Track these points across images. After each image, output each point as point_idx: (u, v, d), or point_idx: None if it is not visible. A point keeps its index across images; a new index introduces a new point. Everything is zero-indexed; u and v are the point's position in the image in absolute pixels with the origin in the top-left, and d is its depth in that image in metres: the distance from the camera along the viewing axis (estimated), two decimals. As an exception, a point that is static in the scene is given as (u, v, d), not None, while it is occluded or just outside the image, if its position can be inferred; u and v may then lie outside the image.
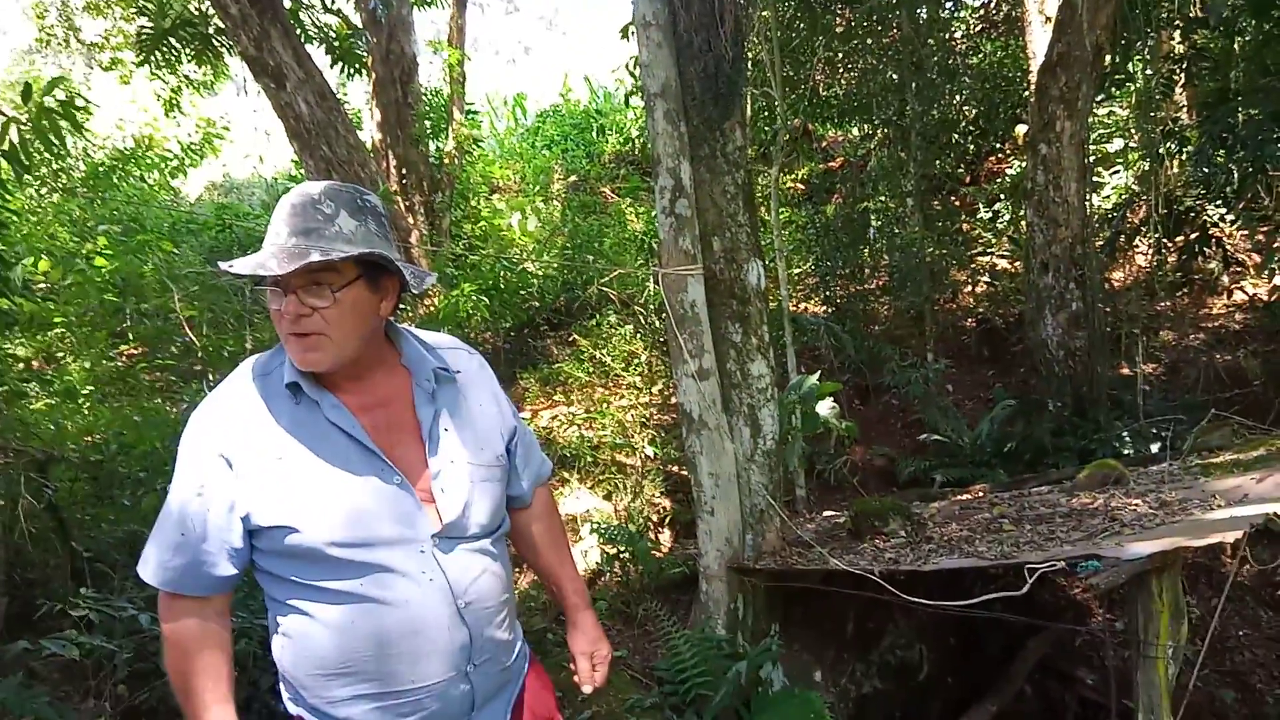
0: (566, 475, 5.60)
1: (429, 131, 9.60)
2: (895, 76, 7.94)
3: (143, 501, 4.23)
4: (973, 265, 7.86)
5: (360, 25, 9.51)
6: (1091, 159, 7.44)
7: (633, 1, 3.85)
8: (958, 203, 8.46)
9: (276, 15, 7.94)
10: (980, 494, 4.66)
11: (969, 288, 7.84)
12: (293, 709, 1.76)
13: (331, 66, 9.56)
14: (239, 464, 1.61)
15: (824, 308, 7.57)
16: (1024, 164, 6.54)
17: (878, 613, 4.92)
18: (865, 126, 8.71)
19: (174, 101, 9.83)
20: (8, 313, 6.27)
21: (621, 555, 4.84)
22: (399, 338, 1.80)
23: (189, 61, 9.66)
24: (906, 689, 5.21)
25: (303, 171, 9.01)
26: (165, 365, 6.93)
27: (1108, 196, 7.21)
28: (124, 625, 3.62)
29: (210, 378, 6.52)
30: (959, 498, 4.64)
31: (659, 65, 3.82)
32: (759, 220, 6.73)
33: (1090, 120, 7.48)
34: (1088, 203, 5.94)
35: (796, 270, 8.13)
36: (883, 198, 8.11)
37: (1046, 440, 5.52)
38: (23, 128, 3.85)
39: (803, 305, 7.79)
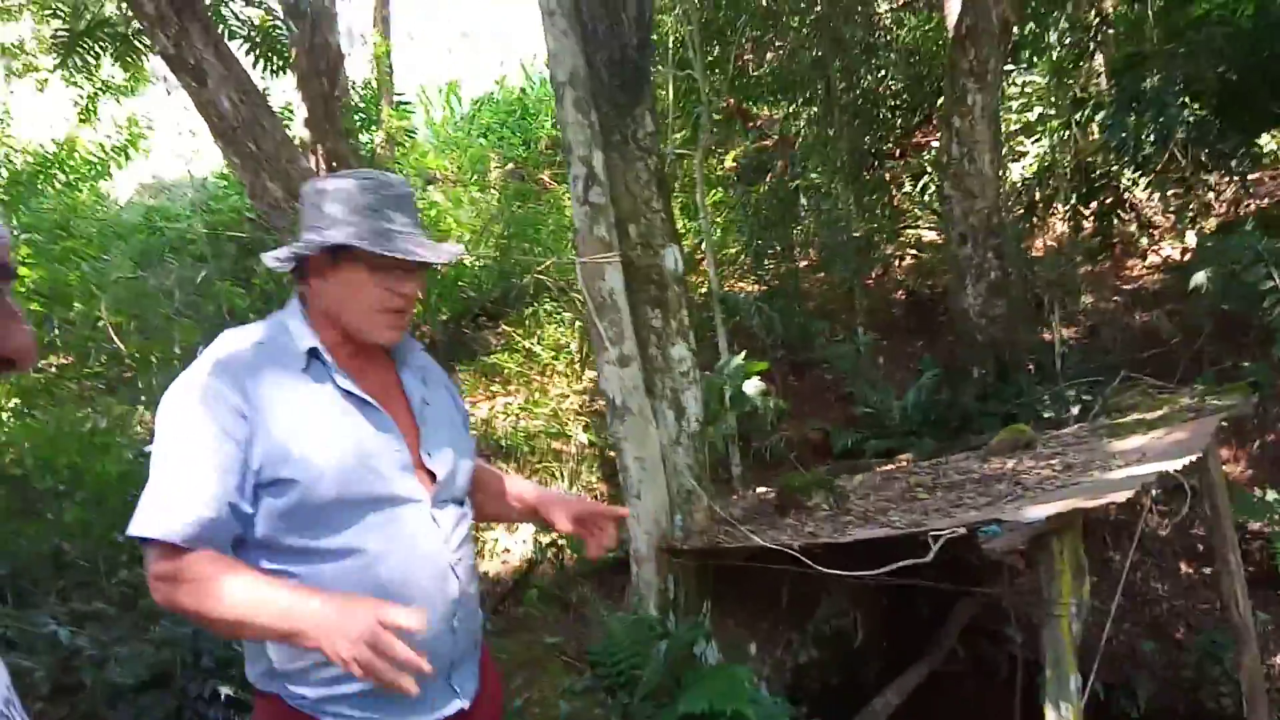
0: (504, 465, 5.62)
1: (360, 124, 9.50)
2: (820, 53, 8.00)
3: (65, 515, 4.19)
4: (900, 239, 7.98)
5: (283, 17, 9.32)
6: (1014, 128, 7.59)
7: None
8: (887, 177, 8.57)
9: (195, 12, 7.76)
10: (904, 464, 4.77)
11: (898, 261, 7.96)
12: (264, 686, 1.78)
13: (254, 66, 9.41)
14: (253, 418, 1.66)
15: (757, 286, 7.64)
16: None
17: (810, 584, 5.01)
18: (793, 104, 8.76)
19: (91, 108, 9.60)
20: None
21: (557, 542, 4.88)
22: None
23: (113, 64, 9.45)
24: (842, 656, 5.34)
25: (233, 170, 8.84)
26: (94, 375, 6.82)
27: (1031, 165, 7.35)
28: (45, 642, 3.59)
29: (139, 384, 6.43)
30: (884, 469, 4.74)
31: (565, 53, 3.83)
32: (693, 202, 6.79)
33: (1011, 89, 7.63)
34: (1005, 173, 6.06)
35: (731, 250, 8.19)
36: (813, 175, 8.18)
37: (971, 407, 5.65)
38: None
39: (738, 285, 7.86)
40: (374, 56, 9.47)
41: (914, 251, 7.85)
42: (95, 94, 10.07)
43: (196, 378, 1.71)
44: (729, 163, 8.93)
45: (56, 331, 7.42)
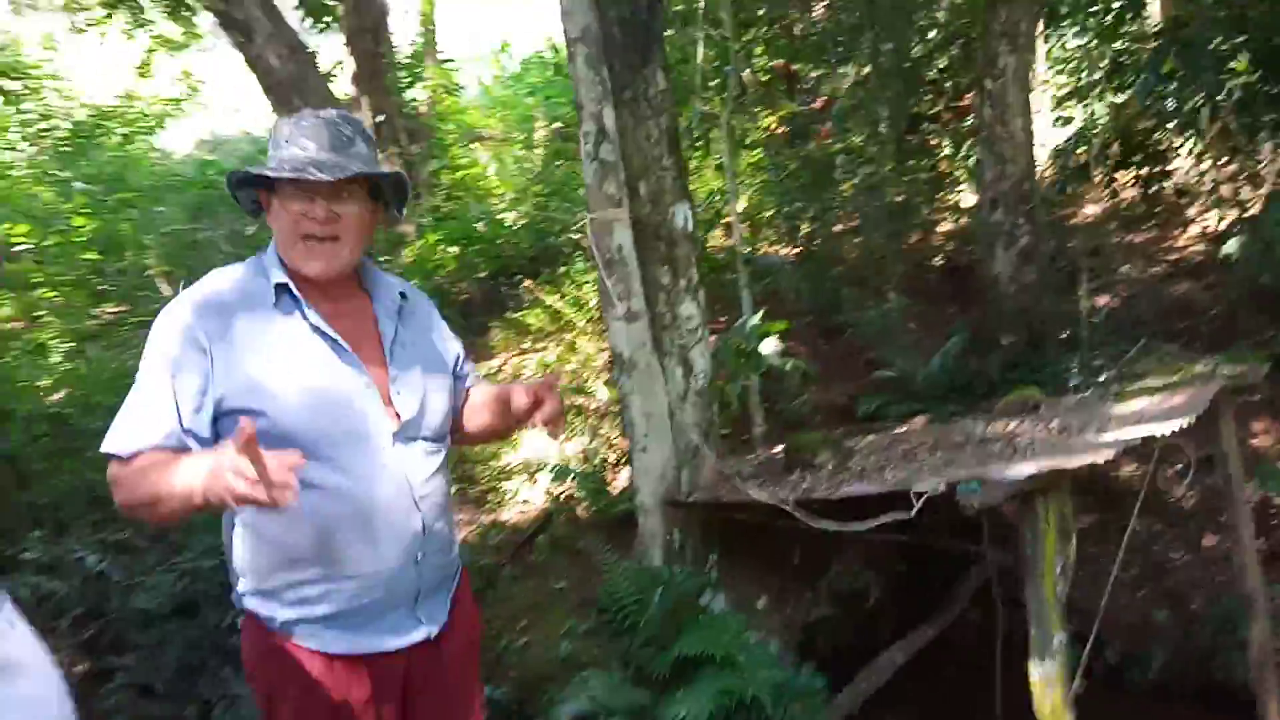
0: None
1: (406, 82, 9.63)
2: (861, 13, 7.87)
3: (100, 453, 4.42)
4: (939, 204, 7.87)
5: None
6: (1062, 92, 7.42)
7: (551, -52, 3.89)
8: (930, 141, 8.44)
9: (242, -33, 7.91)
10: (917, 426, 4.78)
11: (936, 227, 7.87)
12: (242, 605, 1.93)
13: (303, 21, 9.57)
14: (215, 351, 1.78)
15: (791, 249, 7.63)
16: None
17: (822, 544, 5.05)
18: (836, 66, 8.65)
19: (148, 62, 9.86)
20: (-14, 273, 6.46)
21: (573, 495, 5.00)
22: (362, 266, 2.03)
23: (165, 17, 9.67)
24: (855, 616, 5.38)
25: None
26: (143, 322, 7.08)
27: (1081, 128, 7.18)
28: (76, 568, 3.83)
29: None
30: (895, 431, 4.75)
31: (578, 10, 3.87)
32: (730, 163, 6.77)
33: (1056, 52, 7.46)
34: (1043, 137, 5.95)
35: (767, 213, 8.17)
36: (853, 137, 8.10)
37: (998, 374, 5.61)
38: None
39: (773, 248, 7.85)
40: (420, 14, 9.55)
41: (953, 217, 7.75)
42: (152, 49, 10.33)
43: (171, 313, 1.84)
44: (770, 124, 8.85)
45: (109, 281, 7.71)
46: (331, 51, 9.93)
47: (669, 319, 4.11)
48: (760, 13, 8.13)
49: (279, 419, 1.77)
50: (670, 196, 4.01)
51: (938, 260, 7.64)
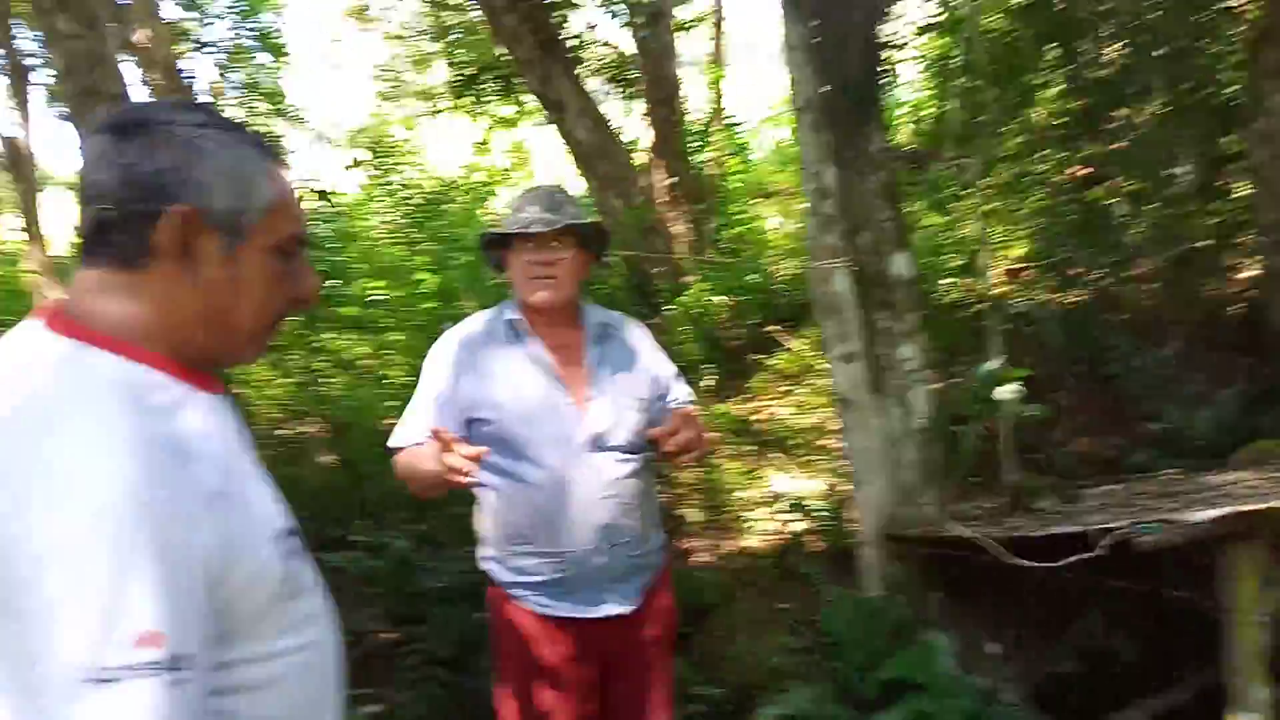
0: (775, 456, 6.14)
1: (697, 146, 10.45)
2: (1169, 47, 7.52)
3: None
4: (1236, 248, 7.25)
5: (636, 53, 10.49)
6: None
7: (781, 29, 4.33)
8: (1226, 183, 7.78)
9: (559, 53, 9.14)
10: (1161, 478, 4.59)
11: (1239, 271, 7.26)
12: (483, 564, 2.56)
13: (621, 95, 10.73)
14: (465, 373, 2.43)
15: (1064, 297, 7.39)
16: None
17: (1071, 594, 4.93)
18: (1134, 103, 8.27)
19: (487, 138, 11.46)
20: (350, 317, 7.93)
21: (809, 526, 5.31)
22: (578, 303, 2.60)
23: (498, 101, 11.24)
24: (1108, 675, 5.14)
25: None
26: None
27: None
28: (388, 550, 4.74)
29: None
30: (1136, 481, 4.61)
31: (804, 81, 4.27)
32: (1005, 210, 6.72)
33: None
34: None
35: (1044, 260, 7.95)
36: (1147, 179, 7.69)
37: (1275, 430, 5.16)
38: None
39: (1048, 295, 7.63)
40: (708, 83, 10.34)
41: (1254, 263, 7.12)
42: (490, 127, 11.99)
43: (439, 345, 2.55)
44: (1051, 169, 8.61)
45: (442, 326, 9.07)
46: (633, 122, 11.00)
47: (888, 361, 4.34)
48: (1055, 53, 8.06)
49: (501, 427, 2.39)
50: (889, 246, 4.26)
51: (1232, 308, 7.07)
